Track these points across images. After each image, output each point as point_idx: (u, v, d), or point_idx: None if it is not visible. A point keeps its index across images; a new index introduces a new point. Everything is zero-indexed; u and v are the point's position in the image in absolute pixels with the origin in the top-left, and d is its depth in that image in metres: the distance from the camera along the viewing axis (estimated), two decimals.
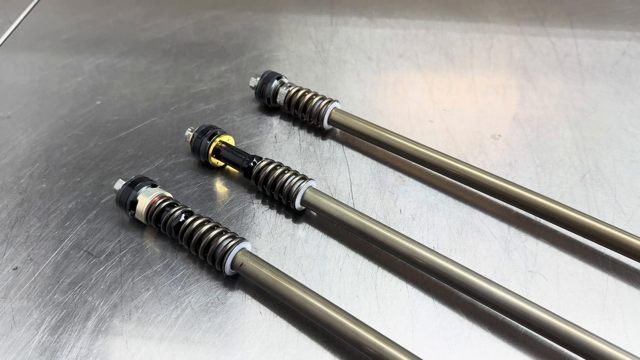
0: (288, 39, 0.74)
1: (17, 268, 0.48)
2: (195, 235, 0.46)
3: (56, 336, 0.43)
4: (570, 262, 0.47)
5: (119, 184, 0.50)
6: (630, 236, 0.45)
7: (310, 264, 0.48)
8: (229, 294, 0.45)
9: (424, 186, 0.54)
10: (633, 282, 0.46)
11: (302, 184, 0.50)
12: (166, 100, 0.65)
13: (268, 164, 0.51)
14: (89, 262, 0.48)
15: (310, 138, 0.60)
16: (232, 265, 0.45)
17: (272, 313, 0.44)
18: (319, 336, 0.43)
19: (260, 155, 0.53)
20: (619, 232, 0.46)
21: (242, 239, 0.46)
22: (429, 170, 0.54)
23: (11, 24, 0.78)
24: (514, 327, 0.43)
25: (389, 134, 0.56)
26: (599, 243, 0.47)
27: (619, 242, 0.46)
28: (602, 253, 0.48)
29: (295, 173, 0.51)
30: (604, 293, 0.45)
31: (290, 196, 0.50)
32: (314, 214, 0.52)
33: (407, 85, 0.66)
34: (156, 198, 0.48)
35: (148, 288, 0.46)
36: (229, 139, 0.56)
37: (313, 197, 0.50)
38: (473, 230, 0.50)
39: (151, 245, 0.49)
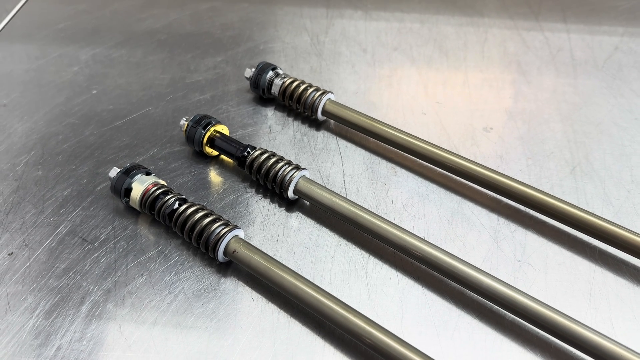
0: (284, 30, 0.75)
1: (12, 253, 0.48)
2: (189, 222, 0.46)
3: (50, 320, 0.43)
4: (559, 252, 0.48)
5: (114, 172, 0.50)
6: (618, 227, 0.46)
7: (302, 251, 0.48)
8: (222, 280, 0.46)
9: (416, 177, 0.55)
10: (619, 272, 0.47)
11: (295, 173, 0.50)
12: (161, 90, 0.65)
13: (262, 154, 0.52)
14: (84, 248, 0.48)
15: (304, 129, 0.60)
16: (225, 252, 0.46)
17: (263, 299, 0.45)
18: (309, 322, 0.43)
19: (254, 145, 0.54)
20: (607, 223, 0.46)
21: (235, 227, 0.46)
22: (420, 161, 0.55)
23: (8, 13, 0.78)
24: (501, 315, 0.44)
25: (382, 125, 0.56)
26: (587, 234, 0.48)
27: (606, 233, 0.46)
28: (590, 244, 0.49)
29: (289, 162, 0.51)
30: (591, 283, 0.46)
31: (283, 185, 0.50)
32: (307, 203, 0.52)
33: (401, 78, 0.67)
34: (150, 186, 0.49)
35: (142, 274, 0.46)
36: (224, 129, 0.56)
37: (306, 187, 0.50)
38: (463, 220, 0.50)
39: (145, 232, 0.50)
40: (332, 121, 0.61)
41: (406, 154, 0.56)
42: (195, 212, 0.47)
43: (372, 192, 0.53)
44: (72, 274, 0.46)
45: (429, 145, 0.54)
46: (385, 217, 0.48)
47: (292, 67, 0.68)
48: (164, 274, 0.46)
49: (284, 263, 0.45)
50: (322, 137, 0.59)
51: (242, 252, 0.45)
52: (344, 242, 0.49)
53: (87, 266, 0.47)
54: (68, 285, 0.46)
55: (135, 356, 0.41)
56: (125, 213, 0.51)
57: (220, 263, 0.47)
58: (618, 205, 0.52)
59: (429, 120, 0.61)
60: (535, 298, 0.41)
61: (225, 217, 0.51)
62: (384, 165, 0.56)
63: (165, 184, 0.51)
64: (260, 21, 0.77)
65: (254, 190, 0.54)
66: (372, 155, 0.57)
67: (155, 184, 0.49)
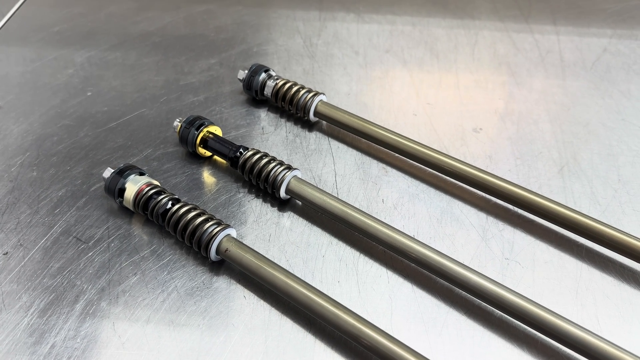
0: (277, 33, 0.76)
1: (7, 253, 0.49)
2: (182, 222, 0.47)
3: (45, 318, 0.44)
4: (546, 250, 0.49)
5: (108, 172, 0.51)
6: (605, 226, 0.47)
7: (294, 250, 0.49)
8: (214, 278, 0.47)
9: (406, 177, 0.55)
10: (605, 270, 0.47)
11: (287, 174, 0.51)
12: (156, 92, 0.66)
13: (254, 154, 0.53)
14: (78, 247, 0.49)
15: (296, 130, 0.61)
16: (217, 251, 0.46)
17: (255, 297, 0.45)
18: (300, 319, 0.44)
19: (247, 146, 0.55)
20: (594, 222, 0.47)
21: (228, 226, 0.47)
22: (411, 161, 0.56)
23: (3, 16, 0.79)
24: (489, 312, 0.44)
25: (373, 126, 0.57)
26: (575, 232, 0.48)
27: (593, 231, 0.47)
28: (577, 242, 0.49)
29: (281, 163, 0.52)
30: (578, 280, 0.47)
31: (275, 185, 0.51)
32: (299, 202, 0.53)
33: (392, 80, 0.68)
34: (144, 186, 0.50)
35: (135, 273, 0.47)
36: (217, 130, 0.57)
37: (297, 186, 0.51)
38: (452, 219, 0.51)
39: (139, 232, 0.50)
40: (324, 122, 0.62)
41: (397, 155, 0.57)
42: (188, 211, 0.47)
43: (363, 192, 0.54)
44: (67, 273, 0.47)
45: (420, 146, 0.54)
46: (375, 217, 0.48)
47: (285, 69, 0.69)
48: (157, 272, 0.47)
49: (275, 262, 0.45)
50: (314, 138, 0.60)
51: (234, 250, 0.45)
52: (335, 240, 0.50)
53: (81, 265, 0.48)
54: (62, 284, 0.46)
55: (128, 353, 0.42)
56: (119, 213, 0.52)
57: (213, 262, 0.47)
58: (605, 204, 0.53)
59: (420, 121, 0.62)
60: (523, 295, 0.42)
61: (218, 216, 0.51)
62: (375, 166, 0.57)
63: (159, 184, 0.51)
64: (254, 24, 0.77)
65: (246, 190, 0.54)
66: (363, 156, 0.58)
67: (149, 184, 0.50)
